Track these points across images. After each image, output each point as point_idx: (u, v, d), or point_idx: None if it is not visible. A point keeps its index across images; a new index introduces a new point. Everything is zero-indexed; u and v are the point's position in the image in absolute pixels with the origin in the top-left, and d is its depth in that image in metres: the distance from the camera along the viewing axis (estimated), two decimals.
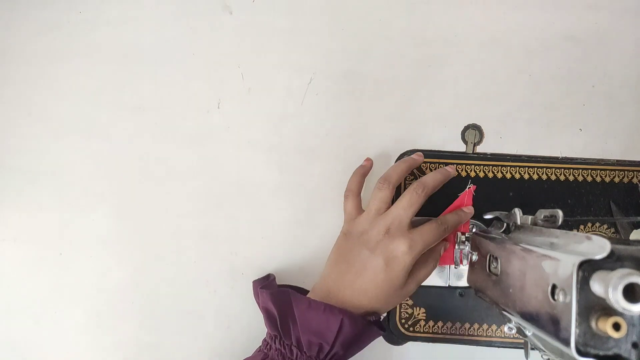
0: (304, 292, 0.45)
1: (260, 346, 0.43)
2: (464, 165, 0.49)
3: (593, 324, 0.23)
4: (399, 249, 0.39)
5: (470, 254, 0.42)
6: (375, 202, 0.42)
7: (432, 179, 0.43)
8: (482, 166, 0.49)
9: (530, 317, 0.29)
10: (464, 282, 0.47)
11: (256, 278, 0.47)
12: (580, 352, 0.23)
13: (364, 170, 0.47)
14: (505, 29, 0.50)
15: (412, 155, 0.47)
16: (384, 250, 0.40)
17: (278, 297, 0.41)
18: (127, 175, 0.50)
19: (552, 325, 0.26)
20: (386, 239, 0.40)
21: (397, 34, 0.50)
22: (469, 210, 0.45)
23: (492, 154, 0.49)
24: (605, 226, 0.48)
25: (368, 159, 0.48)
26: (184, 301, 0.49)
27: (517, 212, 0.37)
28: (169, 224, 0.50)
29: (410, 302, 0.48)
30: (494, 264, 0.36)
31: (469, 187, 0.47)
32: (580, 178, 0.48)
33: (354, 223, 0.43)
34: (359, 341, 0.41)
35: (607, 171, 0.48)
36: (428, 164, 0.49)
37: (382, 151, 0.49)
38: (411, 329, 0.48)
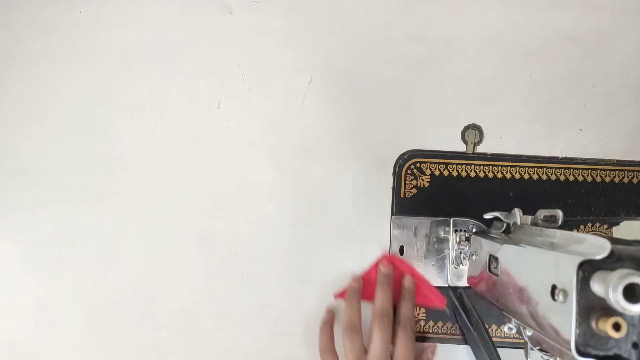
0: None
1: None
2: (464, 165, 0.49)
3: (593, 324, 0.23)
4: None
5: (470, 254, 0.42)
6: (354, 353, 0.42)
7: (387, 302, 0.43)
8: (482, 166, 0.49)
9: (530, 317, 0.29)
10: (464, 282, 0.47)
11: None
12: (580, 352, 0.23)
13: (330, 325, 0.46)
14: (505, 29, 0.50)
15: (352, 285, 0.45)
16: None
17: None
18: (128, 175, 0.50)
19: (552, 326, 0.26)
20: None
21: (397, 34, 0.50)
22: (409, 283, 0.44)
23: (492, 154, 0.49)
24: (605, 226, 0.48)
25: (329, 311, 0.47)
26: (184, 301, 0.49)
27: (517, 212, 0.37)
28: (169, 224, 0.50)
29: None
30: (494, 264, 0.36)
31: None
32: (580, 178, 0.48)
33: None
34: None
35: (607, 171, 0.48)
36: (428, 164, 0.49)
37: (382, 151, 0.49)
38: None
